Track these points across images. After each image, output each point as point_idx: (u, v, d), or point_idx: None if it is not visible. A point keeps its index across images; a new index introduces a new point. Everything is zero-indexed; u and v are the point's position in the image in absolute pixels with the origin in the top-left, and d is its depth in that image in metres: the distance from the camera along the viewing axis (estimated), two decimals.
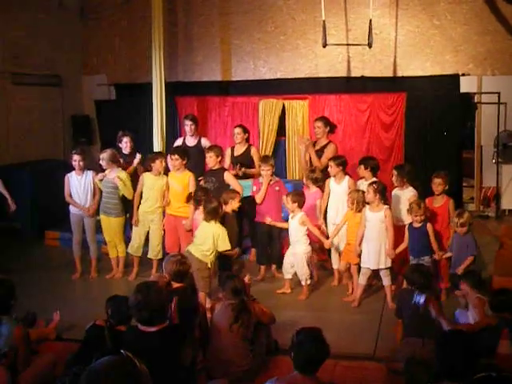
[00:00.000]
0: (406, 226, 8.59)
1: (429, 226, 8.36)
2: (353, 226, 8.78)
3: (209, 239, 8.22)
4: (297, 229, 8.88)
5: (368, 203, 8.58)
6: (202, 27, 13.83)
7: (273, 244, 9.67)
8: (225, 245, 8.24)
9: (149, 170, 9.77)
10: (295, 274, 8.97)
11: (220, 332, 6.30)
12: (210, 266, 8.21)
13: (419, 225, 8.37)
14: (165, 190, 9.67)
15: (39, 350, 6.51)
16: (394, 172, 9.18)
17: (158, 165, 9.65)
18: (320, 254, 9.66)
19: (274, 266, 9.75)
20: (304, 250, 8.85)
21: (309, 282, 8.90)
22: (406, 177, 9.07)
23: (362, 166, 9.40)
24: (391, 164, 11.20)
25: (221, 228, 8.29)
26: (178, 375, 5.08)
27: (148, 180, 9.71)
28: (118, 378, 3.40)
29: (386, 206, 8.50)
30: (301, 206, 8.91)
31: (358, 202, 8.66)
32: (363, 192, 8.77)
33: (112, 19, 14.35)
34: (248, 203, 9.78)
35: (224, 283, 6.58)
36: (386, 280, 8.50)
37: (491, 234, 10.69)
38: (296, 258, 8.87)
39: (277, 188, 9.66)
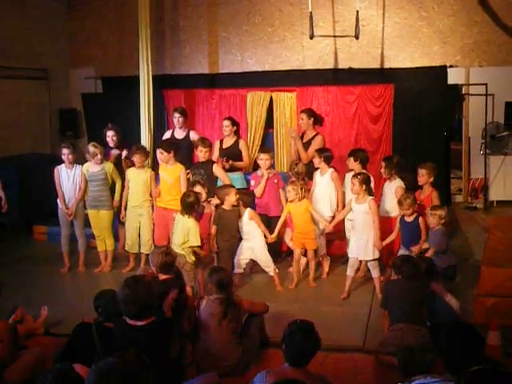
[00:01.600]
0: (398, 219, 8.61)
1: (421, 220, 8.37)
2: (298, 216, 8.93)
3: (182, 232, 8.25)
4: (249, 224, 8.91)
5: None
6: (189, 19, 13.79)
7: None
8: (195, 240, 8.23)
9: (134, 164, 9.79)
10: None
11: (209, 327, 6.28)
12: (188, 259, 8.21)
13: (411, 219, 8.38)
14: (149, 183, 9.66)
15: (27, 345, 6.49)
16: (383, 164, 9.19)
17: (136, 159, 9.67)
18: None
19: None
20: (261, 243, 8.91)
21: (277, 270, 8.97)
22: (395, 168, 9.06)
23: (352, 159, 9.35)
24: (380, 156, 11.21)
25: (193, 222, 8.29)
26: (166, 369, 5.07)
27: (131, 174, 9.73)
28: (125, 377, 3.38)
29: (371, 198, 8.51)
30: (246, 205, 8.95)
31: (302, 190, 8.80)
32: (303, 179, 9.13)
33: (99, 11, 14.28)
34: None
35: (210, 276, 6.55)
36: (375, 272, 8.51)
37: (479, 226, 10.72)
38: (255, 252, 8.91)
39: (275, 180, 9.67)
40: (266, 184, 9.57)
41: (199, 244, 8.24)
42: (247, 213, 8.89)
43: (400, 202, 8.45)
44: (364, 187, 8.43)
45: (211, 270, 6.71)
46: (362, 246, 8.43)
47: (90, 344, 5.46)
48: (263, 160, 9.58)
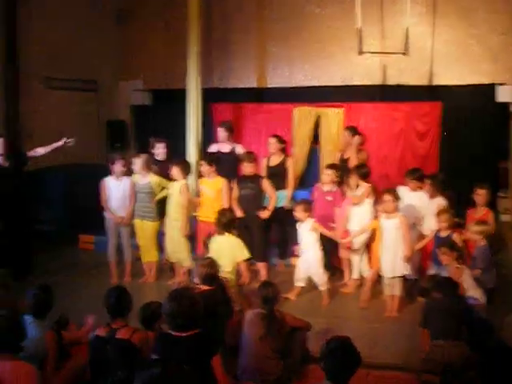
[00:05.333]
0: (433, 234, 8.52)
1: (456, 236, 8.25)
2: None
3: (225, 252, 8.18)
4: (307, 236, 8.86)
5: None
6: (238, 33, 13.86)
7: None
8: (244, 253, 8.21)
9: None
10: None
11: (250, 341, 6.28)
12: (231, 281, 8.07)
13: (445, 234, 8.29)
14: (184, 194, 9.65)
15: (72, 353, 6.55)
16: (428, 181, 9.11)
17: (171, 171, 9.67)
18: None
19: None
20: (317, 256, 8.83)
21: (326, 287, 8.91)
22: (440, 186, 8.99)
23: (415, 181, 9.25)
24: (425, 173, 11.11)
25: (235, 238, 8.32)
26: (208, 380, 5.09)
27: (171, 187, 9.79)
28: None
29: (401, 213, 8.43)
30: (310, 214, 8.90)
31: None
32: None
33: (149, 25, 14.44)
34: (282, 213, 9.95)
35: (259, 290, 6.63)
36: (397, 289, 8.40)
37: None
38: (310, 264, 8.86)
39: (329, 197, 9.59)
40: (321, 200, 9.57)
41: (248, 256, 8.25)
42: (309, 223, 8.83)
43: (437, 214, 8.37)
44: (397, 204, 8.37)
45: (261, 285, 6.75)
46: (390, 263, 8.36)
47: (107, 359, 5.57)
48: (325, 175, 9.62)
